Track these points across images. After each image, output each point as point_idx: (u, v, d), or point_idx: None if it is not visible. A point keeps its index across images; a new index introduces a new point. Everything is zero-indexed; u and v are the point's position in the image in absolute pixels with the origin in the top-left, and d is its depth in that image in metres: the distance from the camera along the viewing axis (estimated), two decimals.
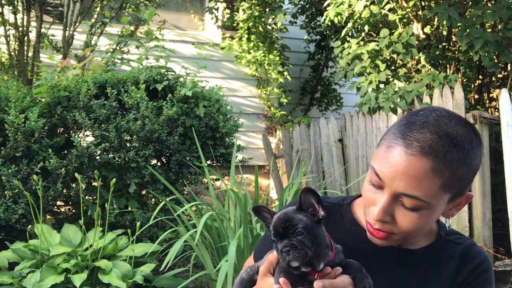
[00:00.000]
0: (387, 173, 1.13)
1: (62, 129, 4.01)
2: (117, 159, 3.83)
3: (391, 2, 5.10)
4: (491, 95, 5.37)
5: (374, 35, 5.35)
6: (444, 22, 4.78)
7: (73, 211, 4.03)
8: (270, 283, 1.14)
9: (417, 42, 4.81)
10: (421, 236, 1.28)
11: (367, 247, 1.24)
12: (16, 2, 4.98)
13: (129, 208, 3.87)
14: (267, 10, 6.50)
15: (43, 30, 5.19)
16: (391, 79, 4.89)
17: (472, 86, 5.50)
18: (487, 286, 1.28)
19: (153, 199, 4.08)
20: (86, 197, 3.92)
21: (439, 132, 1.11)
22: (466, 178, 1.15)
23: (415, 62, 5.13)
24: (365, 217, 1.21)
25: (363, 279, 1.13)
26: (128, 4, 5.33)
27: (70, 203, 3.99)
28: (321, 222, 1.15)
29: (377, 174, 1.15)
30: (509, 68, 5.14)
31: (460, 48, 4.61)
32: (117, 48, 5.09)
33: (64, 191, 3.83)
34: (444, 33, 5.41)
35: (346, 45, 5.04)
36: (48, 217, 4.02)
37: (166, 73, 4.16)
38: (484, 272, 1.27)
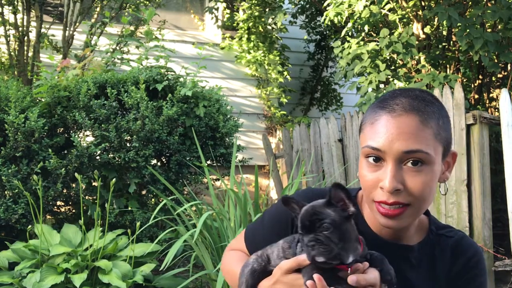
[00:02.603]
0: (384, 140, 1.16)
1: (62, 129, 4.01)
2: (117, 159, 3.83)
3: (391, 2, 5.10)
4: (491, 95, 5.36)
5: (374, 35, 5.35)
6: (444, 22, 4.78)
7: (73, 211, 4.03)
8: (296, 278, 1.13)
9: (417, 42, 4.81)
10: (414, 230, 1.30)
11: (370, 242, 1.25)
12: (16, 2, 4.98)
13: (129, 208, 3.87)
14: (267, 10, 6.50)
15: (43, 30, 5.19)
16: (391, 79, 4.89)
17: (472, 86, 5.49)
18: (481, 277, 1.30)
19: (153, 199, 4.08)
20: (86, 197, 3.92)
21: (411, 95, 1.21)
22: (448, 129, 1.22)
23: (415, 62, 5.12)
24: (375, 199, 1.19)
25: (389, 271, 1.14)
26: (128, 4, 5.33)
27: (70, 203, 3.99)
28: (350, 217, 1.14)
29: (374, 148, 1.18)
30: (509, 68, 5.14)
31: (460, 48, 4.61)
32: (117, 48, 5.09)
33: (64, 191, 3.82)
34: (444, 33, 5.41)
35: (346, 45, 5.04)
36: (48, 217, 4.02)
37: (166, 73, 4.16)
38: (477, 264, 1.30)
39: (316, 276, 1.08)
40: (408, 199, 1.17)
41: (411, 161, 1.15)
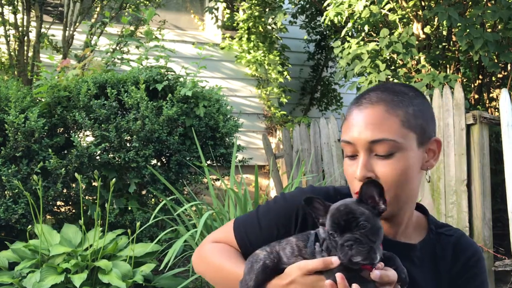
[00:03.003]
0: (352, 133, 1.21)
1: (62, 129, 4.01)
2: (117, 159, 3.83)
3: (391, 2, 5.10)
4: (491, 95, 5.37)
5: (374, 35, 5.35)
6: (444, 22, 4.78)
7: (73, 211, 4.03)
8: (317, 280, 1.10)
9: (417, 42, 4.81)
10: (412, 228, 1.30)
11: None
12: (16, 2, 4.98)
13: (129, 208, 3.87)
14: (267, 10, 6.50)
15: (43, 30, 5.19)
16: (391, 79, 4.89)
17: (472, 86, 5.49)
18: (481, 276, 1.31)
19: (153, 199, 4.08)
20: (86, 197, 3.92)
21: (381, 88, 1.26)
22: (421, 117, 1.22)
23: (415, 62, 5.12)
24: (355, 191, 1.21)
25: (403, 269, 1.14)
26: (128, 4, 5.33)
27: (70, 203, 3.99)
28: (380, 215, 1.12)
29: (346, 141, 1.23)
30: (509, 68, 5.14)
31: (460, 48, 4.61)
32: (117, 48, 5.09)
33: (64, 191, 3.83)
34: (444, 33, 5.41)
35: (346, 45, 5.04)
36: (48, 217, 4.02)
37: (166, 73, 4.16)
38: (476, 263, 1.30)
39: (338, 275, 1.05)
40: None
41: (380, 150, 1.18)
